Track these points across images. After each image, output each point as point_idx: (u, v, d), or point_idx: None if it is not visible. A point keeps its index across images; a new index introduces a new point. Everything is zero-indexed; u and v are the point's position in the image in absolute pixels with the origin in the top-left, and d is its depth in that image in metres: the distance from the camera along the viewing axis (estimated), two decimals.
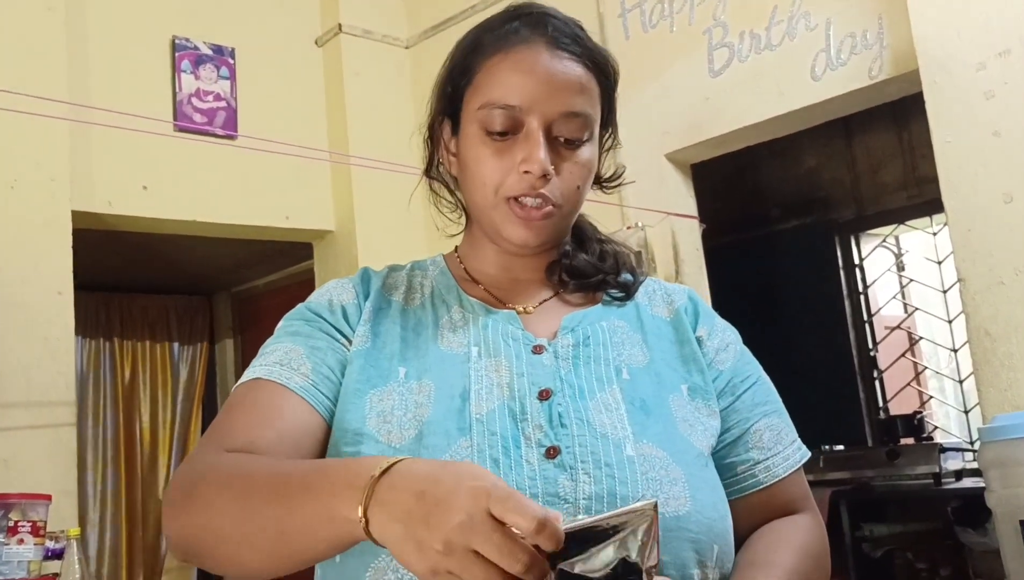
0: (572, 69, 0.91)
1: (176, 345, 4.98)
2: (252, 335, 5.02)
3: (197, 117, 3.25)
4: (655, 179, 3.09)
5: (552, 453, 0.82)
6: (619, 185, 1.05)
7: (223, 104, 3.34)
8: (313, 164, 3.49)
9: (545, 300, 0.99)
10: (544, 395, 0.87)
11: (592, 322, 0.96)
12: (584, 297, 1.00)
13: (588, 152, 0.93)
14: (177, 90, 3.24)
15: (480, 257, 1.01)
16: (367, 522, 0.66)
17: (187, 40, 3.30)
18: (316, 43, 3.72)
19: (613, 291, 1.01)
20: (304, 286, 4.05)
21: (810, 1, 2.73)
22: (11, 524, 2.17)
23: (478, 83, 0.92)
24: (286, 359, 0.89)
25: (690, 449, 0.88)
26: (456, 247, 1.07)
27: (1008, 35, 2.15)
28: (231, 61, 3.39)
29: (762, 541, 0.91)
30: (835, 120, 2.99)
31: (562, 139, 0.90)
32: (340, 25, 3.63)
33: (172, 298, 5.04)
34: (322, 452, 0.87)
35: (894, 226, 4.46)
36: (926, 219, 4.31)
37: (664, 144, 3.06)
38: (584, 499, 0.80)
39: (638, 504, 0.65)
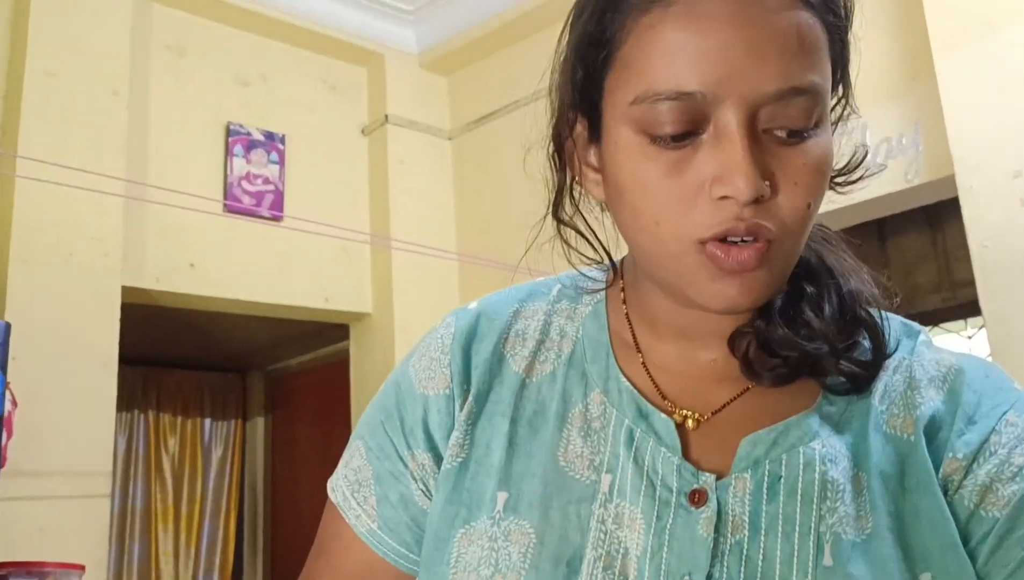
0: (783, 14, 0.55)
1: (208, 421, 5.03)
2: (283, 414, 5.05)
3: (246, 199, 3.36)
4: None
5: None
6: (860, 179, 0.67)
7: (271, 187, 3.44)
8: (354, 248, 3.57)
9: (735, 397, 0.64)
10: None
11: (792, 447, 0.60)
12: (798, 385, 0.63)
13: (821, 144, 0.58)
14: (228, 172, 3.36)
15: (647, 307, 0.67)
16: None
17: (241, 126, 3.43)
18: (363, 132, 3.85)
19: (840, 379, 0.62)
20: (338, 367, 4.09)
21: None
22: None
23: (626, 60, 0.58)
24: (357, 482, 0.72)
25: None
26: (621, 263, 0.71)
27: None
28: (281, 146, 3.51)
29: None
30: (869, 221, 3.02)
31: (779, 133, 0.57)
32: (387, 116, 3.76)
33: (207, 374, 5.10)
34: None
35: (928, 328, 4.45)
36: (960, 322, 4.30)
37: None
38: None
39: None
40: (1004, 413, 0.61)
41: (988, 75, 2.31)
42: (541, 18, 3.50)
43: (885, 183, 2.69)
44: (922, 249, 4.44)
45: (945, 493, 0.59)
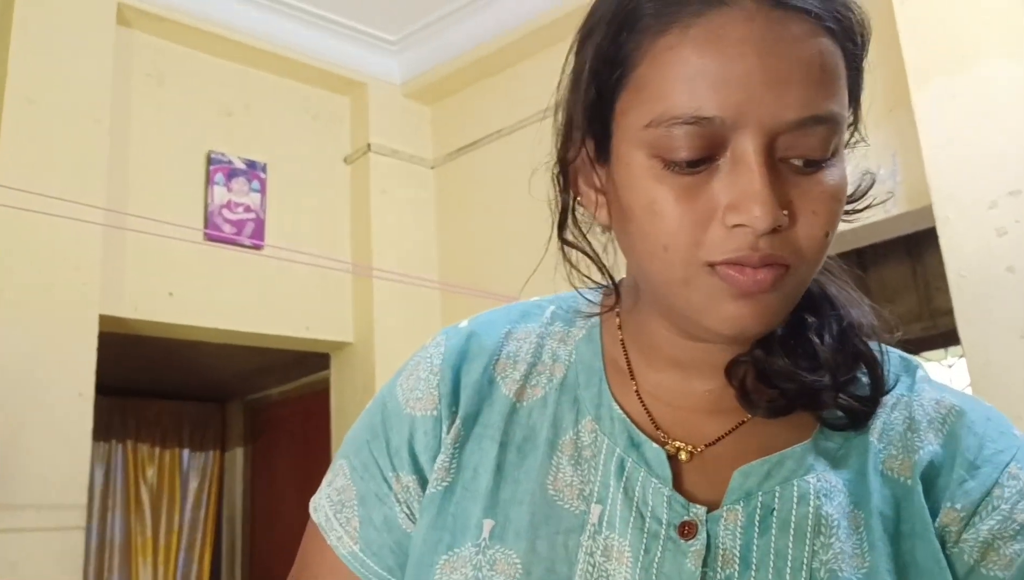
0: (807, 42, 0.53)
1: (187, 452, 4.97)
2: (263, 444, 5.00)
3: (226, 227, 3.34)
4: None
5: None
6: (869, 207, 0.68)
7: (252, 215, 3.43)
8: (335, 276, 3.56)
9: (730, 431, 0.61)
10: None
11: (786, 479, 0.58)
12: (794, 420, 0.61)
13: (836, 174, 0.57)
14: (209, 201, 3.34)
15: (644, 334, 0.64)
16: None
17: (222, 155, 3.42)
18: (345, 161, 3.85)
19: (838, 414, 0.60)
20: (318, 397, 4.07)
21: None
22: None
23: (641, 81, 0.55)
24: (340, 503, 0.69)
25: None
26: (619, 287, 0.68)
27: (1019, 176, 2.22)
28: (262, 175, 3.50)
29: None
30: (849, 251, 3.05)
31: (796, 162, 0.55)
32: (369, 145, 3.76)
33: (185, 404, 5.05)
34: None
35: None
36: (941, 351, 4.32)
37: None
38: None
39: None
40: (1007, 464, 0.59)
41: (963, 107, 2.34)
42: (524, 49, 3.53)
43: (864, 213, 2.72)
44: (902, 278, 4.47)
45: (943, 543, 0.57)
